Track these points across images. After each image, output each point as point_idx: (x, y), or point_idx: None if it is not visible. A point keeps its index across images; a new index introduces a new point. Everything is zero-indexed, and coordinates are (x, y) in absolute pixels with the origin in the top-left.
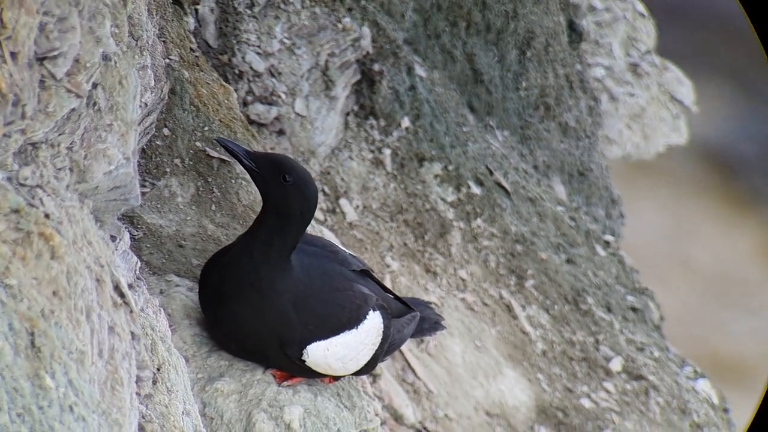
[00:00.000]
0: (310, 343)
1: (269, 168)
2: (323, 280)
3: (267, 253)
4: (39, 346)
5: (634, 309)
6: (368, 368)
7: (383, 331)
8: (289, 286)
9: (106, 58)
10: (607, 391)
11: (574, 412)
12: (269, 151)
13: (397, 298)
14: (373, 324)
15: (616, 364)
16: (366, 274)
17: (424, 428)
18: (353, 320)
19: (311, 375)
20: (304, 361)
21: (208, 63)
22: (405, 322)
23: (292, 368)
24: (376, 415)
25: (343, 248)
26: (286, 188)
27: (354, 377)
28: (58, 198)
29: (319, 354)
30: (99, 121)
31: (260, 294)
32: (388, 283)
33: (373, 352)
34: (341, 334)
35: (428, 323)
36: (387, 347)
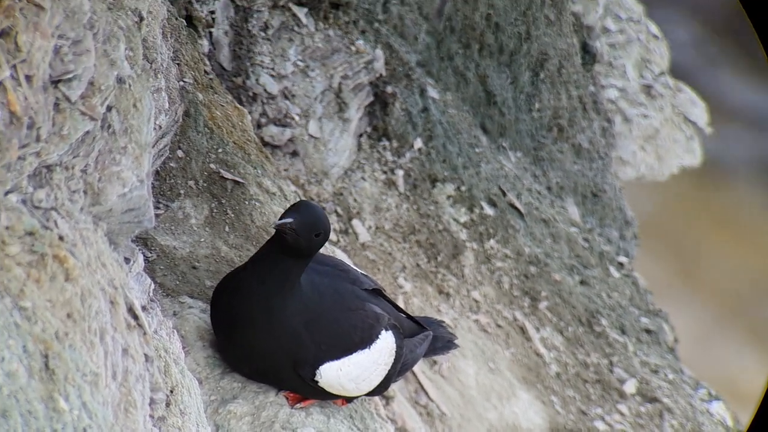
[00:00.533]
0: (322, 363)
1: (308, 233)
2: (335, 300)
3: (281, 282)
4: (53, 369)
5: (648, 331)
6: (381, 389)
7: (396, 351)
8: (299, 307)
9: (120, 80)
10: (621, 414)
11: None
12: (296, 202)
13: (409, 317)
14: (385, 344)
15: (630, 387)
16: (378, 293)
17: None
18: (366, 340)
19: (324, 396)
20: (317, 381)
21: (222, 85)
22: (418, 342)
23: (305, 390)
24: None
25: (355, 268)
26: (313, 240)
27: (367, 399)
28: (72, 220)
29: (332, 374)
30: (113, 144)
31: (271, 317)
32: (401, 304)
33: (386, 372)
34: (354, 354)
35: (441, 342)
36: (400, 367)
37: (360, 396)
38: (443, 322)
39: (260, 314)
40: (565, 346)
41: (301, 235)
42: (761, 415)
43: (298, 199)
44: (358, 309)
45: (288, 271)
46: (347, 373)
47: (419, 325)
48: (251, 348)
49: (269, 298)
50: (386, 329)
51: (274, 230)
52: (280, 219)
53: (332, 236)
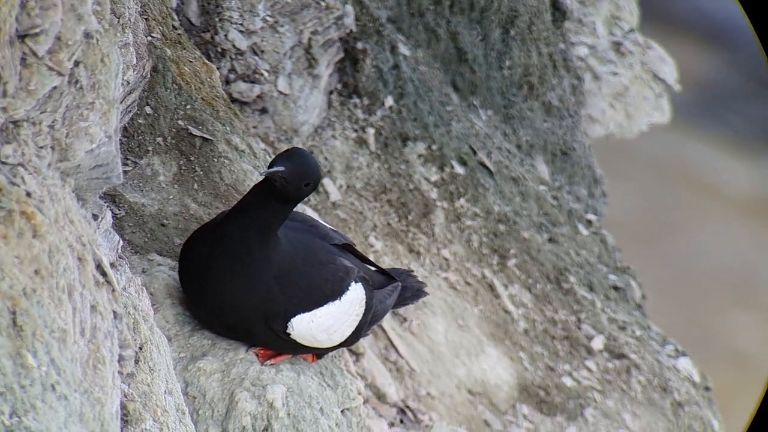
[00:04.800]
0: (294, 315)
1: (298, 182)
2: (306, 254)
3: (262, 231)
4: (21, 325)
5: (616, 288)
6: (353, 339)
7: (366, 302)
8: (277, 260)
9: (87, 35)
10: (589, 370)
11: (555, 391)
12: (287, 149)
13: (379, 269)
14: (355, 295)
15: (597, 343)
16: (347, 247)
17: (407, 406)
18: (336, 292)
19: (296, 350)
20: (289, 334)
21: (190, 41)
22: (387, 293)
23: (277, 344)
24: (359, 393)
25: (324, 223)
26: (302, 190)
27: (336, 355)
28: (39, 176)
29: (303, 326)
30: (81, 99)
31: (248, 268)
32: None
33: (357, 322)
34: (325, 306)
35: (410, 291)
36: (370, 318)
37: (332, 348)
38: (412, 271)
39: (238, 265)
40: (534, 303)
41: (291, 183)
42: (761, 415)
43: (286, 147)
44: (329, 263)
45: (270, 220)
46: (319, 324)
47: (388, 276)
48: (223, 300)
49: (250, 248)
50: (356, 281)
51: (263, 177)
52: (270, 166)
53: None
